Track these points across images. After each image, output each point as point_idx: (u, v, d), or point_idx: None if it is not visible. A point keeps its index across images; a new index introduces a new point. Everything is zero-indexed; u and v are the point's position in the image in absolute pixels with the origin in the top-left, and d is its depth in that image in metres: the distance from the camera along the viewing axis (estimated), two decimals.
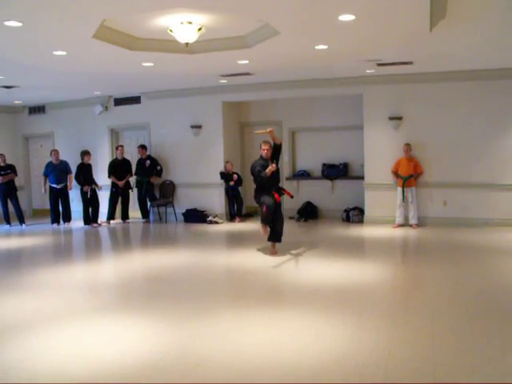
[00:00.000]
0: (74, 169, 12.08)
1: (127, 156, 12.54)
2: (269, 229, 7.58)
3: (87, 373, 3.78)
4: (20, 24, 5.78)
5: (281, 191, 7.86)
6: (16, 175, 12.17)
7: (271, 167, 7.28)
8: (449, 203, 10.33)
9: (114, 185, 12.14)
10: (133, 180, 12.37)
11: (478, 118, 10.03)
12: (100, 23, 6.17)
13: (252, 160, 12.68)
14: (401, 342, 4.21)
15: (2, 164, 11.90)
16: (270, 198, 7.55)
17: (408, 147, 10.22)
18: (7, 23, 5.72)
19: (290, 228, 11.06)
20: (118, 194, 12.22)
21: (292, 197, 8.15)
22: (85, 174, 11.80)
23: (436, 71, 9.98)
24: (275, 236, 7.71)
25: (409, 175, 10.17)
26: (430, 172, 10.37)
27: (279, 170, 7.89)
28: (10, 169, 12.00)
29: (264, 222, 7.50)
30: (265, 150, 7.68)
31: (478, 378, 3.53)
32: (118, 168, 12.13)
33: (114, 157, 12.51)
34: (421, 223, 10.27)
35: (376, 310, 5.22)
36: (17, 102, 13.09)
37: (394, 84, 10.50)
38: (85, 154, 11.87)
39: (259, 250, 8.24)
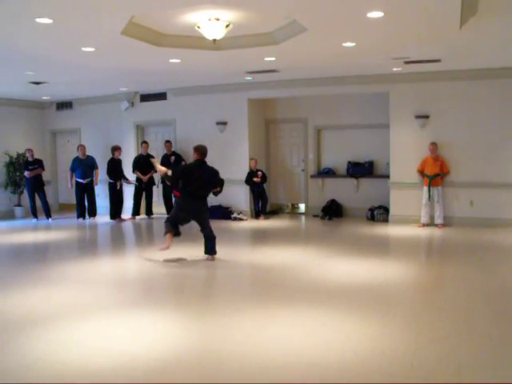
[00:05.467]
0: (100, 164, 12.22)
1: (152, 152, 12.61)
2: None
3: (112, 365, 3.83)
4: (51, 21, 5.86)
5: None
6: (43, 170, 12.34)
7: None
8: (475, 203, 10.19)
9: (138, 180, 12.24)
10: (157, 176, 12.43)
11: (506, 116, 9.85)
12: (128, 20, 6.22)
13: (278, 157, 12.82)
14: (426, 342, 4.17)
15: (30, 159, 12.09)
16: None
17: (434, 146, 10.11)
18: (39, 20, 5.80)
19: (314, 226, 11.10)
20: (142, 190, 12.32)
21: None
22: (115, 169, 11.92)
23: (464, 69, 9.83)
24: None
25: (435, 174, 10.05)
26: (457, 171, 10.24)
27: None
28: (38, 163, 12.18)
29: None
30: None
31: (504, 379, 3.49)
32: (142, 163, 12.20)
33: (140, 152, 12.60)
34: (446, 223, 10.15)
35: (400, 309, 5.19)
36: (45, 97, 13.27)
37: (420, 82, 10.38)
38: (115, 149, 11.98)
39: (284, 247, 8.24)
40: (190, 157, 12.29)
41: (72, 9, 5.53)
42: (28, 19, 5.81)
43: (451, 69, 9.86)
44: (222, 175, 11.81)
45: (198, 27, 6.49)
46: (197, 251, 7.75)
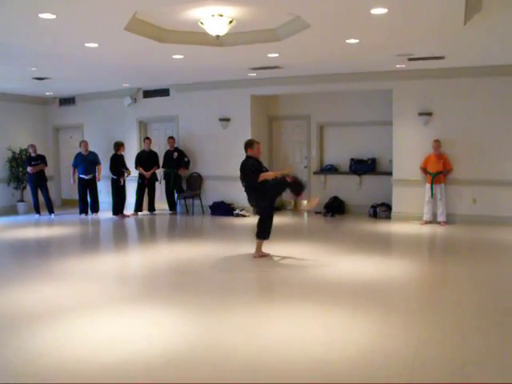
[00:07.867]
0: (103, 160, 12.24)
1: (155, 148, 12.63)
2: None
3: (115, 361, 3.84)
4: (54, 16, 5.83)
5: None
6: (46, 165, 12.35)
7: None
8: (478, 201, 10.17)
9: (140, 176, 12.25)
10: (160, 172, 12.45)
11: (509, 114, 9.81)
12: (132, 15, 6.20)
13: (280, 153, 12.78)
14: (428, 340, 4.17)
15: (33, 154, 12.09)
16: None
17: (437, 144, 10.08)
18: (42, 15, 5.77)
19: (316, 223, 11.08)
20: (145, 186, 12.33)
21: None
22: (118, 165, 11.92)
23: (468, 66, 9.79)
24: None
25: (438, 172, 10.03)
26: (460, 169, 10.21)
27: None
28: (41, 159, 12.19)
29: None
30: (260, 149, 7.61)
31: (509, 379, 3.49)
32: (145, 159, 12.22)
33: (142, 148, 12.60)
34: (449, 220, 10.13)
35: (403, 307, 5.18)
36: (48, 93, 13.26)
37: (424, 79, 10.35)
38: (118, 145, 11.99)
39: (286, 244, 8.24)
40: (193, 152, 12.39)
41: (75, 4, 5.51)
42: (31, 15, 5.79)
43: (455, 66, 9.81)
44: (225, 171, 11.97)
45: (202, 23, 6.47)
46: (201, 248, 7.76)
